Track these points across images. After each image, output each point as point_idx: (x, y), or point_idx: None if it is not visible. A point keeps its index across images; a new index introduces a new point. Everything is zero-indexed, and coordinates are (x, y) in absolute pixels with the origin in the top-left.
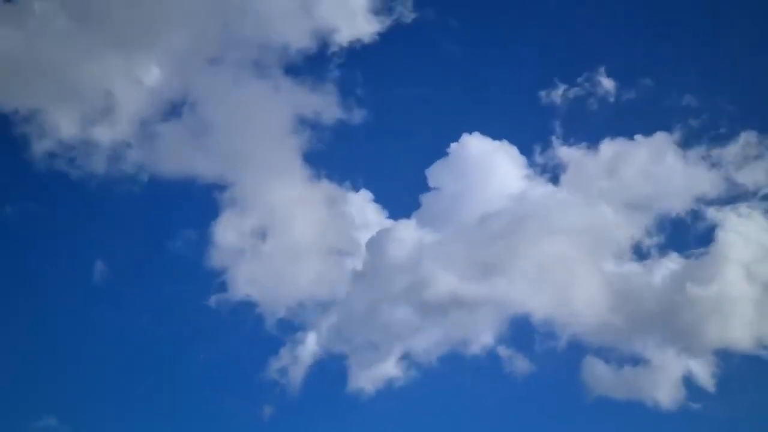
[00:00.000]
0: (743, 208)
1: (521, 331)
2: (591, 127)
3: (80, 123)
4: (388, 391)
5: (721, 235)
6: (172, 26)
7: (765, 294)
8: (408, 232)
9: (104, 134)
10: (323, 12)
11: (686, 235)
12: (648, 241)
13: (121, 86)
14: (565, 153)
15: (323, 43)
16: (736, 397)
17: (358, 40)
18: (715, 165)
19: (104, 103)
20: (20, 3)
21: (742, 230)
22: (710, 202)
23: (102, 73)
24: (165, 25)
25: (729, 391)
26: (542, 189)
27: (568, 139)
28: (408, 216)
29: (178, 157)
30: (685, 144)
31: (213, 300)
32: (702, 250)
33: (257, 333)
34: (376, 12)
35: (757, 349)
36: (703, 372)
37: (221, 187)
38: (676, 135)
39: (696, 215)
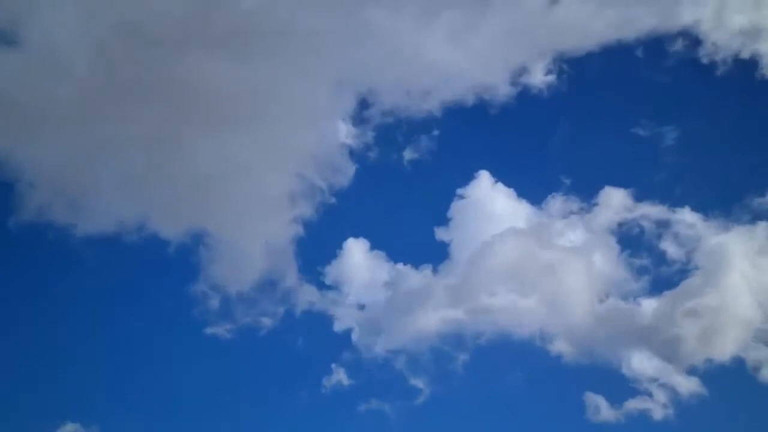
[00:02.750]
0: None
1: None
2: (593, 176)
3: None
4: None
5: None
6: None
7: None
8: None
9: None
10: None
11: (677, 270)
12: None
13: None
14: (568, 200)
15: None
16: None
17: None
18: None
19: None
20: None
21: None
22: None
23: None
24: None
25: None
26: (544, 232)
27: (572, 188)
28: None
29: None
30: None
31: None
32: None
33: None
34: None
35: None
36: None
37: None
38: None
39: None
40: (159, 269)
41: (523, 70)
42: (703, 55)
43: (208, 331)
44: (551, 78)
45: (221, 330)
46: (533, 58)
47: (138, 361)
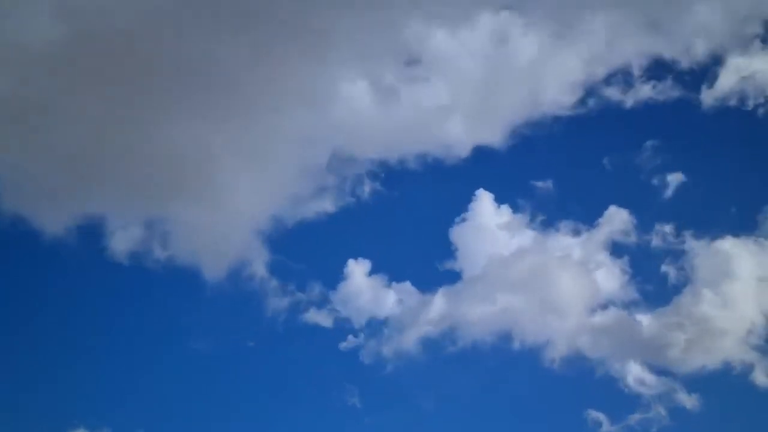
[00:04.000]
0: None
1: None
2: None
3: None
4: None
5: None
6: None
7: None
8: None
9: None
10: None
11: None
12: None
13: None
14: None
15: None
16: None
17: None
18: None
19: None
20: None
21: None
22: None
23: None
24: None
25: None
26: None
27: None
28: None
29: None
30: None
31: None
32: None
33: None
34: None
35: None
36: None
37: None
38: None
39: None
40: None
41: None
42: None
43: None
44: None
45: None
46: (535, 121)
47: (147, 363)
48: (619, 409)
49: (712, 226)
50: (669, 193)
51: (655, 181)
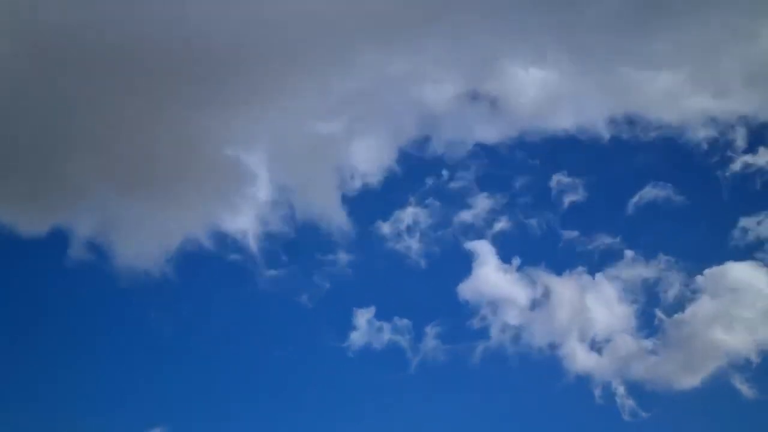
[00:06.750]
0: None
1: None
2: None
3: None
4: None
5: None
6: None
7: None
8: None
9: None
10: None
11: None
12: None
13: None
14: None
15: None
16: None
17: None
18: None
19: None
20: None
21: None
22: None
23: None
24: None
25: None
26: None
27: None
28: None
29: None
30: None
31: None
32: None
33: None
34: None
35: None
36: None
37: None
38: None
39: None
40: None
41: None
42: None
43: None
44: None
45: None
46: None
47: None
48: None
49: (710, 253)
50: (666, 221)
51: (653, 211)
